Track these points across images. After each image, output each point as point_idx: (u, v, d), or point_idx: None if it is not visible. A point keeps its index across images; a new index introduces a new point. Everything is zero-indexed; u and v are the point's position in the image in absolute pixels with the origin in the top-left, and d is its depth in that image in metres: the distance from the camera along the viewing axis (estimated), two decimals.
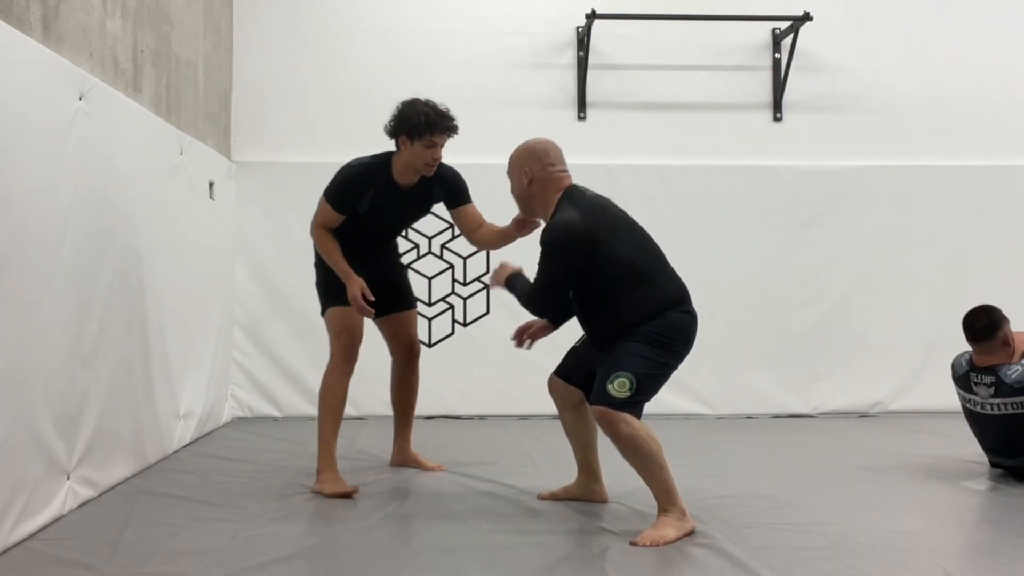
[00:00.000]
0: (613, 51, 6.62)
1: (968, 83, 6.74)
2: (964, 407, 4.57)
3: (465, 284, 6.46)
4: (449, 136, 4.14)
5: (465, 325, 6.46)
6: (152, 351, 4.55)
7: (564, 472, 4.17)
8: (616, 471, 3.95)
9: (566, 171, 3.69)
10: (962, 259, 6.60)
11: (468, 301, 6.46)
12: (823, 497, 4.06)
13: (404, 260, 6.32)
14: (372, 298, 4.10)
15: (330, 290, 4.26)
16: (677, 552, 3.25)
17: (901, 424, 6.16)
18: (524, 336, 3.92)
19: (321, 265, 4.30)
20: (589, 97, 6.59)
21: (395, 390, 4.67)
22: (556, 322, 3.90)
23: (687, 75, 6.67)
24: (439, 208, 4.47)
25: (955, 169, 6.66)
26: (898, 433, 5.84)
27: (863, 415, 6.53)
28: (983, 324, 4.39)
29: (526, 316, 6.19)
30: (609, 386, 3.41)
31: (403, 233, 4.64)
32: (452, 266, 6.45)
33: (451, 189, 4.32)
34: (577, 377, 3.80)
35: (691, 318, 3.57)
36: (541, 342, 3.98)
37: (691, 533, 3.40)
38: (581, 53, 6.55)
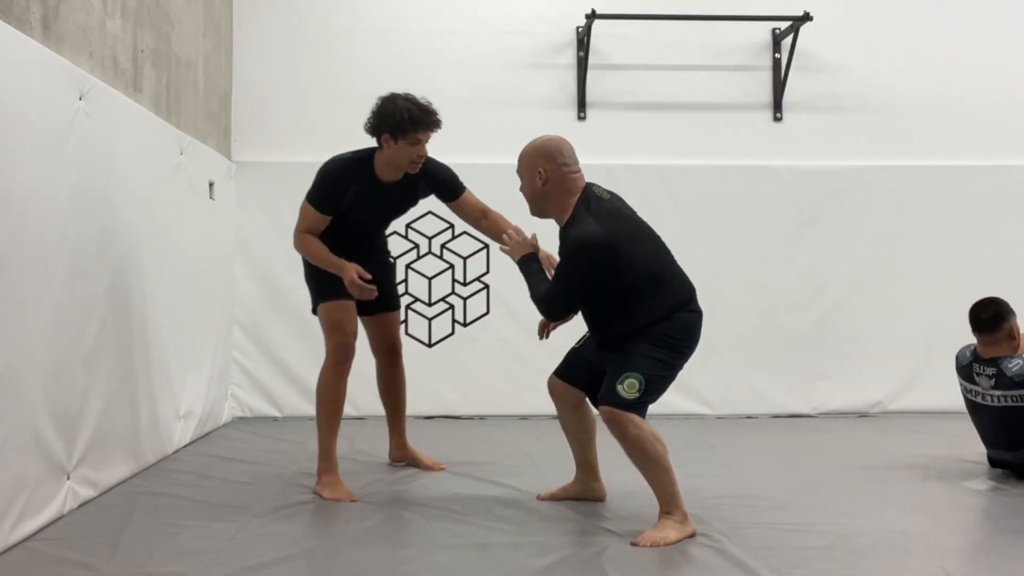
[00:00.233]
0: (613, 51, 6.62)
1: (968, 83, 6.74)
2: (965, 398, 4.60)
3: (465, 284, 6.45)
4: (434, 131, 4.03)
5: (465, 325, 6.46)
6: (152, 351, 4.54)
7: (564, 472, 4.17)
8: (616, 471, 3.95)
9: (580, 171, 3.64)
10: (962, 259, 6.60)
11: (468, 301, 6.46)
12: (823, 497, 4.06)
13: (404, 260, 6.40)
14: (369, 276, 4.00)
15: (319, 285, 4.18)
16: (677, 552, 3.26)
17: (901, 424, 6.16)
18: (548, 329, 3.91)
19: (309, 262, 4.22)
20: (589, 97, 6.59)
21: (382, 388, 4.63)
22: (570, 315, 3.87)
23: (687, 75, 6.66)
24: (439, 208, 4.46)
25: (955, 169, 6.66)
26: (898, 433, 5.84)
27: (863, 415, 6.53)
28: (989, 315, 4.42)
29: (527, 317, 6.18)
30: (619, 387, 3.40)
31: (388, 231, 4.56)
32: (452, 266, 6.45)
33: (440, 184, 4.23)
34: (578, 378, 3.79)
35: (698, 316, 3.58)
36: (542, 345, 3.99)
37: (692, 536, 3.40)
38: (581, 53, 6.55)
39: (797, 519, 3.67)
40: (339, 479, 4.09)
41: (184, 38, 5.32)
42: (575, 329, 3.89)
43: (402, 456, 4.66)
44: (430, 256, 6.44)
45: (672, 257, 3.63)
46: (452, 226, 6.37)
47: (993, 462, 4.61)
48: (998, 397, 4.35)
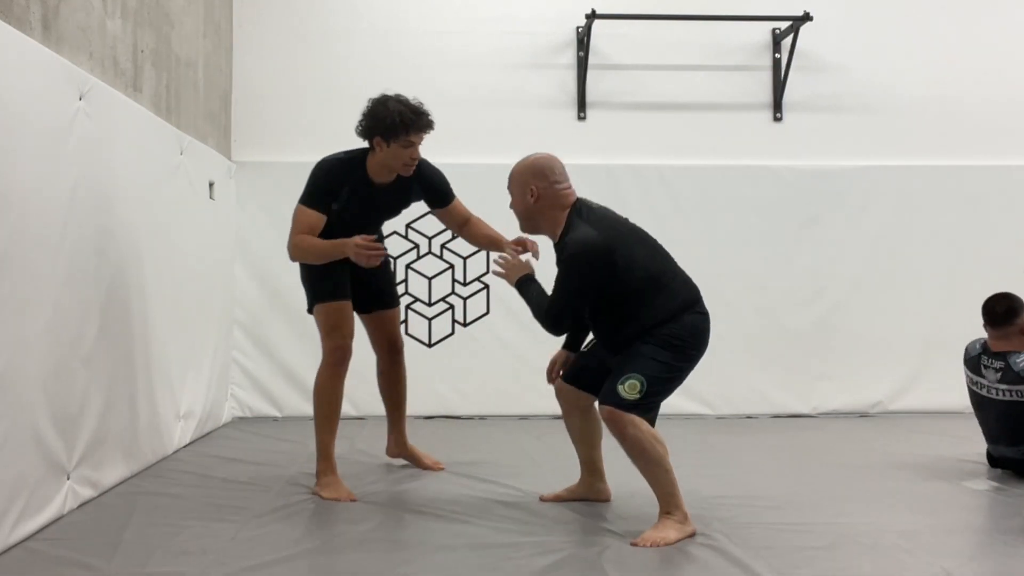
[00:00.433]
0: (613, 51, 6.62)
1: (968, 83, 6.74)
2: (971, 390, 4.62)
3: (465, 284, 6.45)
4: (426, 133, 4.00)
5: (465, 325, 6.46)
6: (152, 351, 4.54)
7: (564, 472, 4.17)
8: (618, 472, 3.95)
9: (571, 187, 3.64)
10: (962, 259, 6.60)
11: (468, 301, 6.46)
12: (823, 497, 4.06)
13: (404, 260, 6.40)
14: (373, 236, 3.95)
15: (315, 286, 4.16)
16: (677, 552, 3.26)
17: (901, 424, 6.16)
18: (554, 372, 3.92)
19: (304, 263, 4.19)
20: (589, 97, 6.59)
21: (382, 385, 4.60)
22: (573, 346, 3.89)
23: (687, 75, 6.66)
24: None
25: (955, 169, 6.66)
26: (898, 433, 5.84)
27: (863, 415, 6.53)
28: (1003, 309, 4.46)
29: (526, 317, 6.16)
30: (620, 387, 3.41)
31: (387, 231, 4.55)
32: (452, 266, 6.45)
33: (432, 189, 4.22)
34: (587, 380, 3.78)
35: (704, 318, 3.57)
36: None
37: (692, 536, 3.40)
38: (581, 53, 6.55)
39: (797, 519, 3.68)
40: (338, 479, 4.09)
41: (184, 38, 5.32)
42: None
43: (401, 453, 4.64)
44: (430, 256, 6.43)
45: (673, 261, 3.64)
46: None
47: (993, 461, 4.61)
48: (1003, 391, 4.38)
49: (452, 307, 6.46)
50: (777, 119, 6.69)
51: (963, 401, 6.28)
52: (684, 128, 6.62)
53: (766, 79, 6.72)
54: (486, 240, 4.27)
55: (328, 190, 4.02)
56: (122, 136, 4.20)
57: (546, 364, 4.01)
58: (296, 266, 4.32)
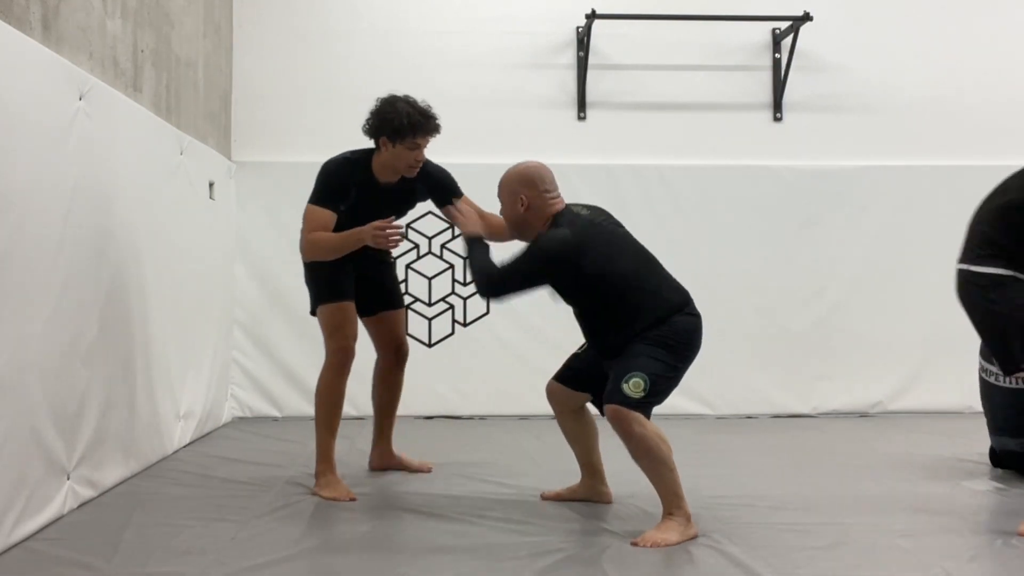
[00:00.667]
0: (613, 51, 6.62)
1: (968, 83, 6.74)
2: (981, 378, 4.63)
3: (465, 284, 6.45)
4: (433, 136, 4.01)
5: (465, 325, 6.46)
6: (152, 351, 4.54)
7: (564, 472, 4.17)
8: (619, 472, 3.95)
9: (559, 197, 3.67)
10: None
11: (468, 301, 6.46)
12: (823, 497, 4.06)
13: (404, 260, 6.40)
14: (391, 218, 3.92)
15: (319, 287, 4.15)
16: (677, 552, 3.26)
17: (901, 424, 6.16)
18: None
19: (311, 262, 4.16)
20: (589, 97, 6.59)
21: (379, 390, 4.54)
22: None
23: (687, 75, 6.66)
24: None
25: (955, 169, 6.65)
26: (898, 433, 5.84)
27: (863, 415, 6.53)
28: None
29: (526, 318, 6.16)
30: (624, 385, 3.41)
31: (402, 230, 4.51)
32: (452, 266, 6.45)
33: (438, 187, 4.20)
34: (580, 381, 3.79)
35: (695, 319, 3.58)
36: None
37: (694, 538, 3.40)
38: (581, 53, 6.55)
39: (797, 519, 3.67)
40: (338, 479, 4.09)
41: (184, 38, 5.32)
42: (576, 330, 3.88)
43: (388, 464, 4.56)
44: (430, 256, 6.44)
45: (659, 265, 3.66)
46: (452, 226, 6.36)
47: (996, 460, 4.61)
48: (1012, 378, 4.38)
49: (452, 307, 6.46)
50: (777, 119, 6.69)
51: (963, 401, 6.34)
52: (684, 128, 6.62)
53: (766, 79, 6.72)
54: (501, 228, 4.13)
55: (338, 189, 4.02)
56: (122, 136, 4.20)
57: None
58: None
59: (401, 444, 4.66)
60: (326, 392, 4.13)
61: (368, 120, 4.03)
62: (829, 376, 6.56)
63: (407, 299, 6.34)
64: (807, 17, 6.33)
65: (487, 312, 6.43)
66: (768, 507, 3.85)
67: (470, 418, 6.34)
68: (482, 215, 4.22)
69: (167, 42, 5.03)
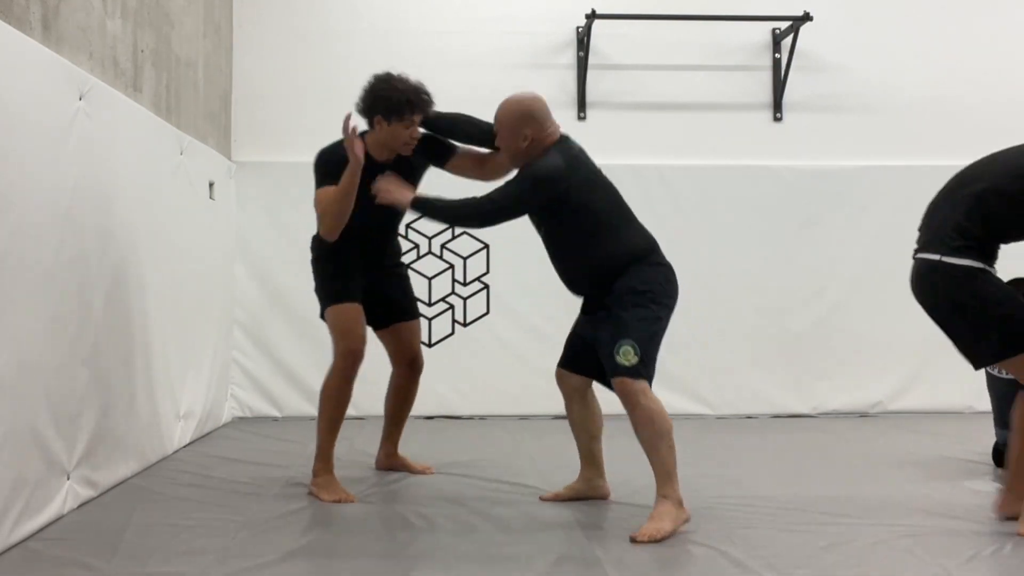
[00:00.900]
0: (613, 51, 6.62)
1: (968, 83, 6.74)
2: (986, 371, 4.63)
3: (465, 284, 6.45)
4: (428, 112, 3.97)
5: (465, 325, 6.46)
6: (152, 351, 4.54)
7: (565, 472, 4.17)
8: (619, 472, 3.95)
9: (557, 126, 3.79)
10: None
11: (468, 301, 6.46)
12: (823, 497, 4.06)
13: (404, 260, 6.38)
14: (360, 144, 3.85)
15: (328, 289, 4.14)
16: (677, 552, 3.26)
17: (901, 424, 6.16)
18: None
19: (319, 265, 4.17)
20: (589, 97, 6.59)
21: (391, 399, 4.53)
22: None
23: (687, 75, 6.67)
24: None
25: (955, 169, 6.56)
26: (898, 433, 5.84)
27: (863, 415, 6.53)
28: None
29: (526, 319, 6.14)
30: (616, 357, 3.49)
31: (402, 230, 4.46)
32: (452, 266, 6.45)
33: (431, 149, 4.08)
34: (582, 363, 3.82)
35: (665, 268, 3.69)
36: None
37: (687, 521, 3.46)
38: (581, 53, 6.55)
39: (797, 519, 3.67)
40: (336, 480, 4.08)
41: (184, 38, 5.32)
42: (568, 322, 3.90)
43: (391, 465, 4.57)
44: (430, 256, 6.44)
45: (631, 212, 3.77)
46: (452, 226, 6.37)
47: (997, 459, 4.61)
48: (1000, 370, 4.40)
49: (452, 307, 6.46)
50: (777, 119, 6.69)
51: (963, 401, 6.35)
52: (684, 128, 6.62)
53: (766, 79, 6.72)
54: (502, 166, 4.02)
55: (338, 168, 3.93)
56: (122, 136, 4.20)
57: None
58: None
59: (401, 444, 4.65)
60: (332, 395, 4.10)
61: (362, 99, 3.99)
62: (829, 376, 6.56)
63: None
64: (807, 17, 6.33)
65: (487, 312, 6.44)
66: (768, 507, 3.85)
67: (470, 418, 6.34)
68: (483, 159, 4.10)
69: (167, 42, 5.03)
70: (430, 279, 6.43)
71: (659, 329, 3.60)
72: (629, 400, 3.49)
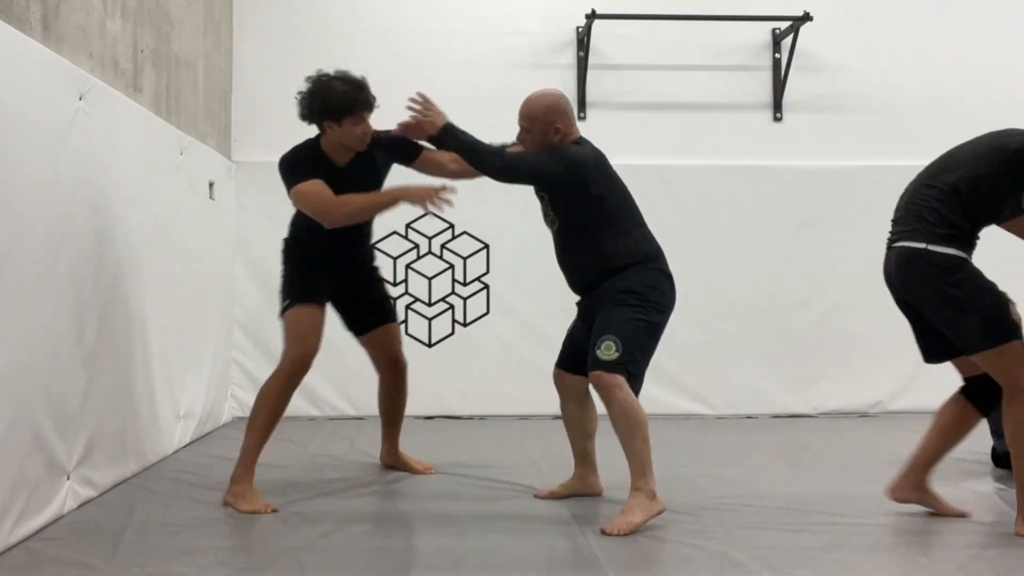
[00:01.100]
0: (613, 51, 6.61)
1: (968, 83, 6.73)
2: None
3: (465, 284, 6.45)
4: (373, 107, 3.90)
5: (465, 325, 6.46)
6: (152, 351, 4.54)
7: (565, 471, 4.17)
8: (616, 470, 3.95)
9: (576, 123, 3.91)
10: None
11: (468, 301, 6.46)
12: (823, 497, 4.06)
13: (404, 260, 6.40)
14: (441, 185, 3.79)
15: (292, 288, 4.03)
16: (677, 551, 3.26)
17: (901, 424, 6.15)
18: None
19: (287, 266, 4.10)
20: (589, 97, 6.59)
21: (383, 401, 4.52)
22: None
23: (687, 75, 6.66)
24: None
25: None
26: (898, 433, 5.82)
27: (863, 415, 6.53)
28: None
29: (526, 319, 6.14)
30: (597, 351, 3.54)
31: (383, 233, 4.41)
32: (452, 266, 6.45)
33: (395, 148, 4.02)
34: (577, 361, 3.83)
35: (664, 276, 3.72)
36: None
37: (660, 513, 3.47)
38: (581, 53, 6.55)
39: (797, 519, 3.67)
40: (254, 489, 3.85)
41: (184, 38, 5.32)
42: (566, 324, 3.89)
43: (393, 462, 4.58)
44: (430, 256, 6.43)
45: (642, 218, 3.82)
46: (452, 226, 6.37)
47: (997, 460, 4.61)
48: None
49: (452, 307, 6.46)
50: (777, 119, 6.69)
51: None
52: (684, 128, 6.62)
53: (766, 79, 6.72)
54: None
55: (308, 164, 3.89)
56: (122, 136, 4.20)
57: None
58: None
59: (401, 444, 4.65)
60: (271, 400, 3.90)
61: (304, 106, 3.92)
62: (829, 376, 6.56)
63: (407, 299, 6.35)
64: (807, 17, 6.33)
65: (487, 312, 6.44)
66: (768, 507, 3.85)
67: (470, 418, 6.34)
68: (450, 158, 4.03)
69: (167, 42, 5.03)
70: (430, 279, 6.43)
71: (646, 331, 3.61)
72: (605, 393, 3.53)
